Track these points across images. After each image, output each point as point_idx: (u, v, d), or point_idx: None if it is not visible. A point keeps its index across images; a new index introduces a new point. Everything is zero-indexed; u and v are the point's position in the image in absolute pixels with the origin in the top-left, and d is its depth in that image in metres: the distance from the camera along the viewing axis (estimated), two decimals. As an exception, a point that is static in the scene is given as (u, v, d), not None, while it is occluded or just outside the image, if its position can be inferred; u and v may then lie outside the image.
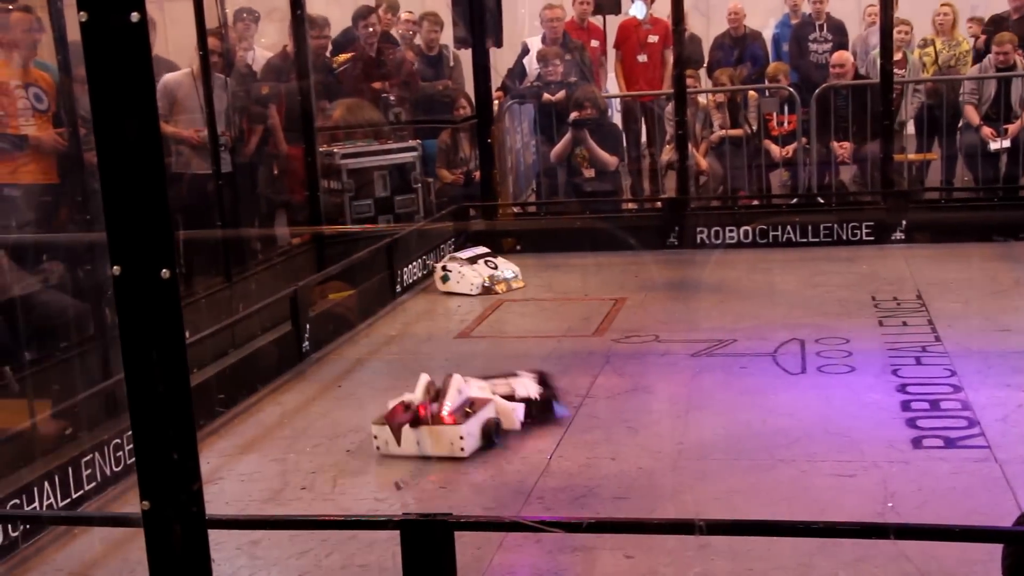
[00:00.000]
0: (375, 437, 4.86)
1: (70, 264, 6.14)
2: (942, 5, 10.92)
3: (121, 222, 1.97)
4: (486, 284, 7.79)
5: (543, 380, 5.25)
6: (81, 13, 1.95)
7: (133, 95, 1.93)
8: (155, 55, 9.54)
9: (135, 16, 1.92)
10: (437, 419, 4.76)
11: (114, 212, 1.97)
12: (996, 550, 3.09)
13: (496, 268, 8.01)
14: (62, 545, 4.10)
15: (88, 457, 4.45)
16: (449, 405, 4.79)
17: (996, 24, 10.73)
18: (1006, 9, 10.82)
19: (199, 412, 5.22)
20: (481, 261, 8.04)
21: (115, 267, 1.97)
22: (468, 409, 4.83)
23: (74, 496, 4.36)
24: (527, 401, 5.08)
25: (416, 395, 4.87)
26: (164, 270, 1.96)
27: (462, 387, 4.92)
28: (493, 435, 4.86)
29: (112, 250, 1.98)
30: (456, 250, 8.53)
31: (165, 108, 8.86)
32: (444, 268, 7.96)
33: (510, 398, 5.06)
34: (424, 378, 4.95)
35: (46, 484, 4.22)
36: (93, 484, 4.47)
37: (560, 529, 3.36)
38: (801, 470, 4.36)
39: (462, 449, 4.71)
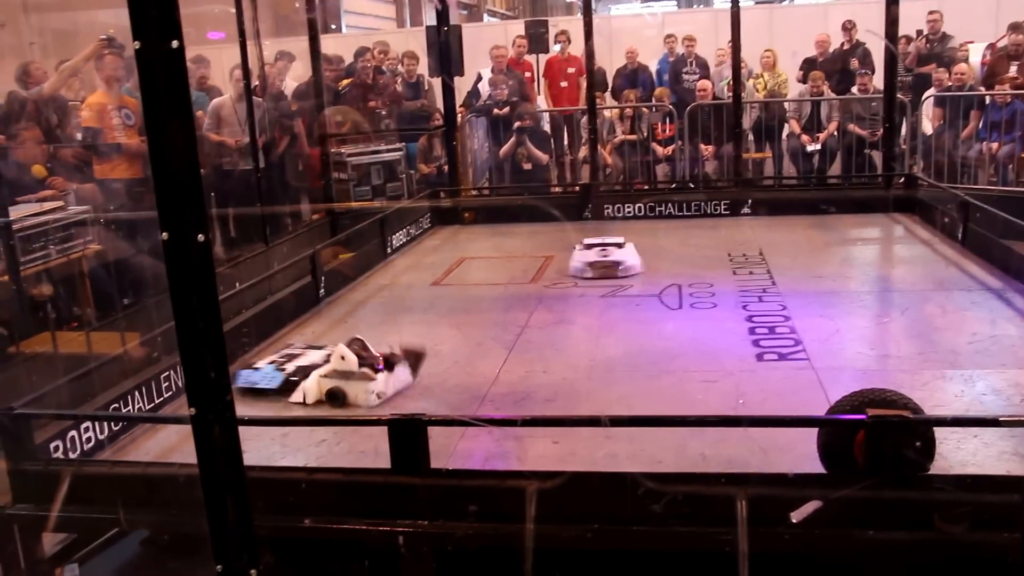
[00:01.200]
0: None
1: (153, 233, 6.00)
2: (765, 50, 11.29)
3: (168, 200, 1.85)
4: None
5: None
6: (135, 42, 1.81)
7: (174, 105, 1.79)
8: (211, 84, 9.37)
9: (175, 44, 1.78)
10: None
11: (163, 193, 1.85)
12: (813, 432, 3.07)
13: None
14: (149, 436, 3.96)
15: (166, 374, 4.31)
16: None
17: (809, 64, 11.17)
18: (815, 53, 11.21)
19: (246, 340, 5.09)
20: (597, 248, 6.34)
21: (164, 233, 1.86)
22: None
23: (156, 402, 4.22)
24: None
25: (349, 355, 4.12)
26: (200, 235, 1.85)
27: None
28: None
29: (162, 221, 1.86)
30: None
31: (214, 124, 8.72)
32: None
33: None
34: (341, 347, 4.15)
35: (137, 393, 4.11)
36: (170, 393, 4.32)
37: (502, 425, 3.30)
38: (679, 378, 4.31)
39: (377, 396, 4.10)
